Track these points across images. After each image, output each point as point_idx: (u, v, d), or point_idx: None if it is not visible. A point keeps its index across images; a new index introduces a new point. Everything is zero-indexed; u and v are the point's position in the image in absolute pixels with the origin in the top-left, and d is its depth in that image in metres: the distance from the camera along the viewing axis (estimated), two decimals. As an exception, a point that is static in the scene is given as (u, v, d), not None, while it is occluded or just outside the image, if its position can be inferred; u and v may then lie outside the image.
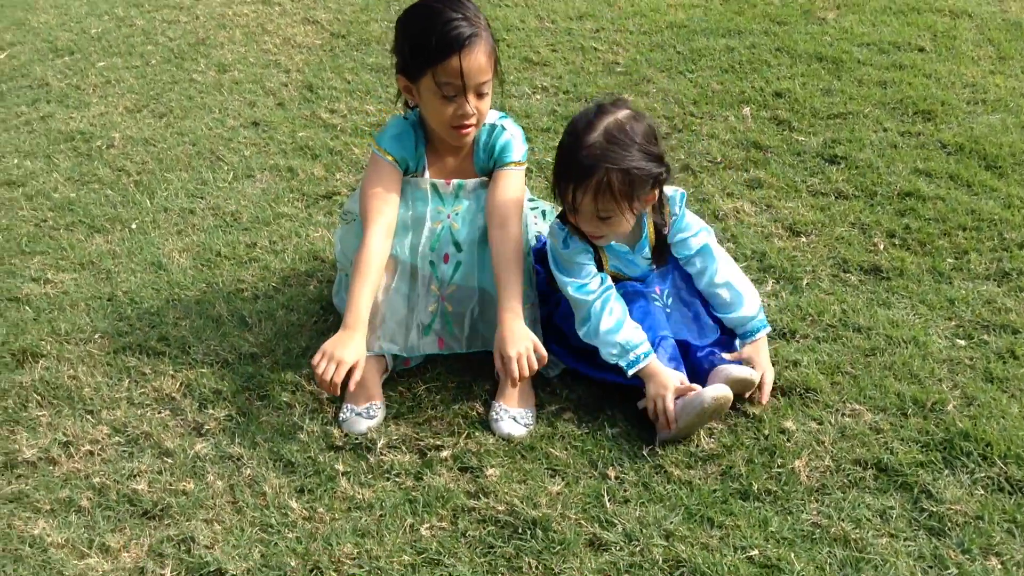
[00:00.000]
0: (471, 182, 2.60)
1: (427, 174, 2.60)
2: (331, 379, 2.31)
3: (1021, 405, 2.37)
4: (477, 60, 2.40)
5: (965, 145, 3.46)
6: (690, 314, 2.54)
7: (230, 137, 3.93)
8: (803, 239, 3.06)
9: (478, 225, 2.56)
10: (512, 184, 2.57)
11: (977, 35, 4.36)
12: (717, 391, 2.28)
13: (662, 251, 2.55)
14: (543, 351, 2.39)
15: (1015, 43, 4.28)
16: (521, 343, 2.36)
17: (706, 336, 2.53)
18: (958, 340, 2.61)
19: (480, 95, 2.47)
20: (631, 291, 2.53)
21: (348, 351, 2.34)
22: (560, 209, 2.52)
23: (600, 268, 2.51)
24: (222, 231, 3.30)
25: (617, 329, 2.40)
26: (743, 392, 2.42)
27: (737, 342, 2.56)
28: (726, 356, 2.48)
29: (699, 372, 2.45)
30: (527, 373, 2.35)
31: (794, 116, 3.75)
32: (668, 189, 2.51)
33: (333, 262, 3.03)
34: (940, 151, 3.46)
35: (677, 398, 2.32)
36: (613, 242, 2.51)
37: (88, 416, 2.52)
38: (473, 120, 2.49)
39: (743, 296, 2.53)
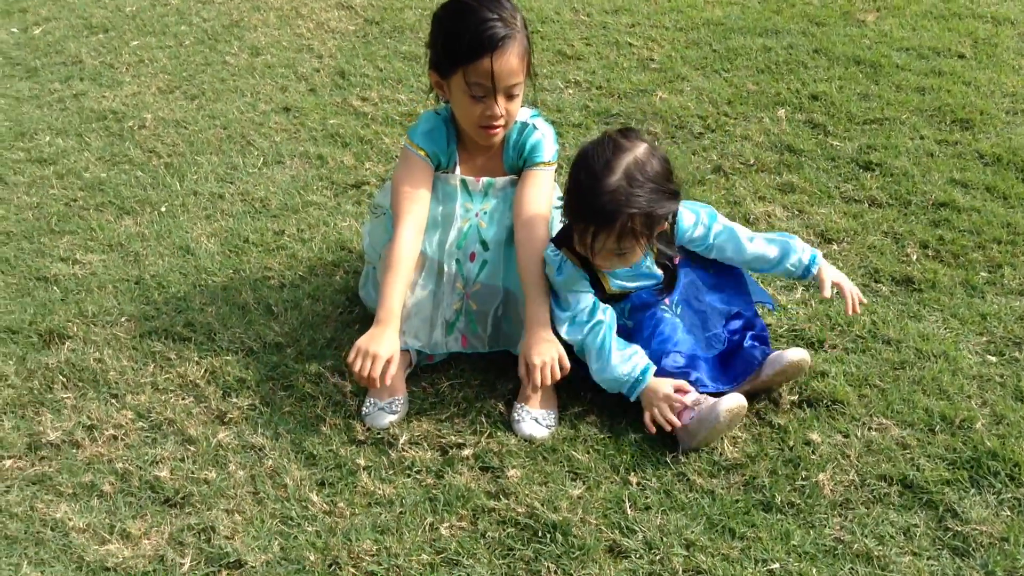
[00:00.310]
0: (501, 180, 2.58)
1: (458, 170, 2.59)
2: (368, 374, 2.31)
3: (1052, 426, 2.34)
4: (509, 62, 2.38)
5: (1003, 156, 3.41)
6: (699, 323, 2.52)
7: (261, 122, 3.93)
8: (834, 246, 3.03)
9: (506, 224, 2.54)
10: (541, 185, 2.55)
11: (1019, 43, 4.29)
12: (731, 402, 2.26)
13: (671, 280, 2.49)
14: (567, 363, 2.38)
15: (1058, 52, 4.21)
16: (547, 353, 2.36)
17: (712, 347, 2.50)
18: (989, 356, 2.57)
19: (510, 96, 2.45)
20: (638, 304, 2.51)
21: (383, 345, 2.34)
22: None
23: (602, 290, 2.49)
24: (250, 217, 3.30)
25: (606, 366, 2.39)
26: (797, 376, 2.42)
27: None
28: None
29: (749, 363, 2.43)
30: (549, 383, 2.35)
31: (830, 120, 3.70)
32: None
33: (360, 253, 3.02)
34: (977, 161, 3.41)
35: (693, 407, 2.30)
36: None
37: (113, 400, 2.53)
38: (501, 121, 2.48)
39: (785, 239, 2.53)
